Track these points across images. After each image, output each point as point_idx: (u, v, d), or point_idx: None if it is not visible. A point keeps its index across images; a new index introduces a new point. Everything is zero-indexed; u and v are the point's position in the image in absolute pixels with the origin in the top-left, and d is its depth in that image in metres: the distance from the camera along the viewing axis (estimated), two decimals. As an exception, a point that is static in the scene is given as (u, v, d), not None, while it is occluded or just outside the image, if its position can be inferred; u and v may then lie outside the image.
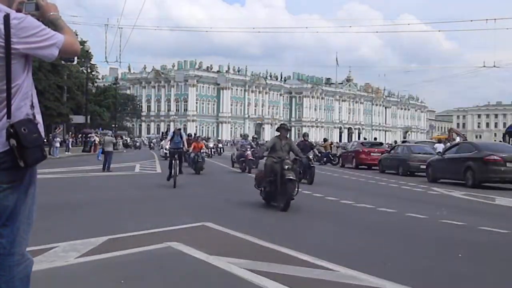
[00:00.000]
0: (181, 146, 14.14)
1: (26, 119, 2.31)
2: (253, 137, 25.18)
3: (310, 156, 15.73)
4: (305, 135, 18.56)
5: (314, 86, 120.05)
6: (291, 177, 8.81)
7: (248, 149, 20.18)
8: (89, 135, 40.08)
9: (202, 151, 19.60)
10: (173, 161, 13.28)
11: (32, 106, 2.36)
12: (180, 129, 14.98)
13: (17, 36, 2.22)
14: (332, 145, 34.40)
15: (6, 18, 2.20)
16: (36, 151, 2.31)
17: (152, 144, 58.20)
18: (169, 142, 14.32)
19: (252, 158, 19.67)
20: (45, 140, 2.51)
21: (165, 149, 30.32)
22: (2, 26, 2.20)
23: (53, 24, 2.43)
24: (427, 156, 19.56)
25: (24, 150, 2.25)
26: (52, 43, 2.31)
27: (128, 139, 61.55)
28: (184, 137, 14.62)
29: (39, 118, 2.40)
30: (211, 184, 15.06)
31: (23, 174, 2.33)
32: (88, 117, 45.44)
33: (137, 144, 57.80)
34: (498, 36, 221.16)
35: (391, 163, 22.05)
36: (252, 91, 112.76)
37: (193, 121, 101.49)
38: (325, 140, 34.97)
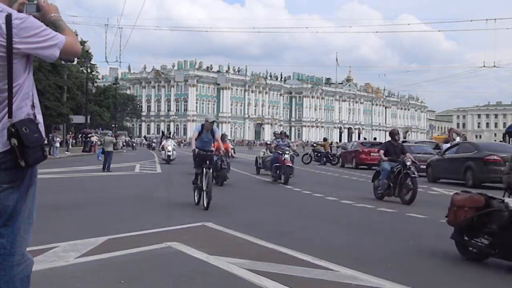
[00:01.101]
0: (212, 148, 9.81)
1: (27, 119, 2.31)
2: (286, 134, 19.21)
3: (408, 163, 10.91)
4: (396, 132, 12.16)
5: (314, 86, 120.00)
6: None
7: (287, 152, 15.24)
8: (89, 135, 40.09)
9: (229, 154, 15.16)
10: (203, 170, 9.09)
11: (33, 106, 2.37)
12: (213, 122, 9.86)
13: (19, 36, 2.23)
14: (332, 145, 34.34)
15: (8, 18, 2.21)
16: (37, 151, 2.32)
17: (153, 144, 55.11)
18: (194, 140, 9.69)
19: (290, 164, 15.16)
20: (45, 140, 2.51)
21: (168, 150, 25.03)
22: (4, 26, 2.20)
23: (54, 25, 2.44)
24: (427, 156, 19.55)
25: (25, 149, 2.26)
26: (54, 43, 2.31)
27: (128, 139, 61.63)
28: (218, 134, 9.98)
29: (39, 118, 2.41)
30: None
31: (24, 174, 2.34)
32: (88, 117, 45.44)
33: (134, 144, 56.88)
34: (498, 36, 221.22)
35: (391, 163, 22.03)
36: (252, 91, 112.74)
37: (193, 121, 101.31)
38: (324, 139, 34.98)
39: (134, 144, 59.60)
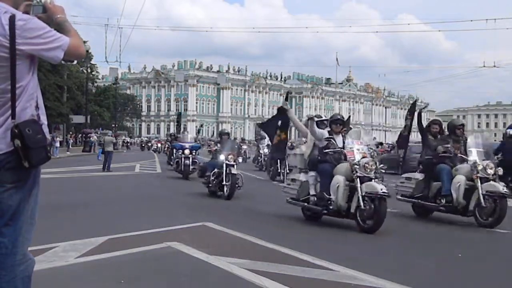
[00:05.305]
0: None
1: (31, 120, 2.32)
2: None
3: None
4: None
5: (314, 86, 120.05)
6: None
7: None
8: (89, 135, 40.10)
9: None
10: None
11: (37, 107, 2.38)
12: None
13: (22, 37, 2.24)
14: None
15: (12, 19, 2.22)
16: (41, 151, 2.33)
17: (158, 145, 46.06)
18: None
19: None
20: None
21: (231, 173, 10.58)
22: (7, 27, 2.21)
23: (60, 26, 2.44)
24: None
25: (28, 150, 2.26)
26: (57, 45, 2.32)
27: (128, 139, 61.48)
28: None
29: (43, 119, 2.41)
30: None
31: (27, 174, 2.35)
32: (88, 117, 45.44)
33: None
34: (498, 36, 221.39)
35: (391, 163, 22.05)
36: (252, 91, 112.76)
37: (193, 121, 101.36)
38: None
39: (129, 144, 58.13)
